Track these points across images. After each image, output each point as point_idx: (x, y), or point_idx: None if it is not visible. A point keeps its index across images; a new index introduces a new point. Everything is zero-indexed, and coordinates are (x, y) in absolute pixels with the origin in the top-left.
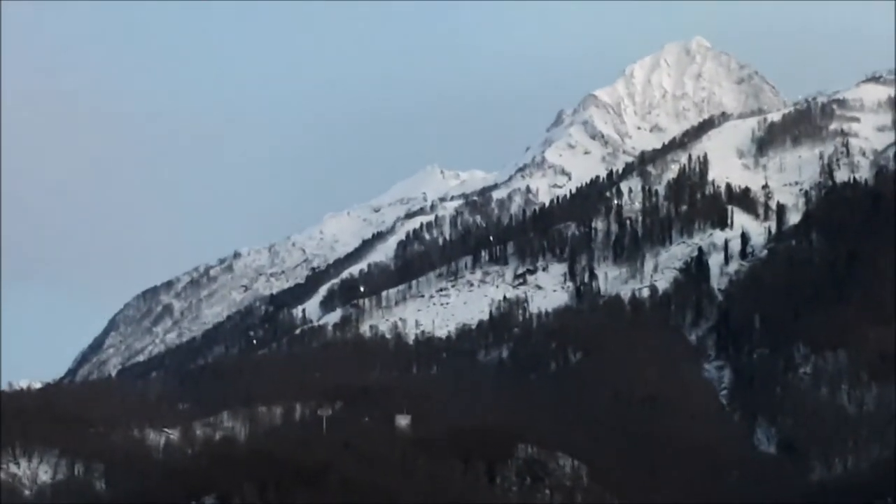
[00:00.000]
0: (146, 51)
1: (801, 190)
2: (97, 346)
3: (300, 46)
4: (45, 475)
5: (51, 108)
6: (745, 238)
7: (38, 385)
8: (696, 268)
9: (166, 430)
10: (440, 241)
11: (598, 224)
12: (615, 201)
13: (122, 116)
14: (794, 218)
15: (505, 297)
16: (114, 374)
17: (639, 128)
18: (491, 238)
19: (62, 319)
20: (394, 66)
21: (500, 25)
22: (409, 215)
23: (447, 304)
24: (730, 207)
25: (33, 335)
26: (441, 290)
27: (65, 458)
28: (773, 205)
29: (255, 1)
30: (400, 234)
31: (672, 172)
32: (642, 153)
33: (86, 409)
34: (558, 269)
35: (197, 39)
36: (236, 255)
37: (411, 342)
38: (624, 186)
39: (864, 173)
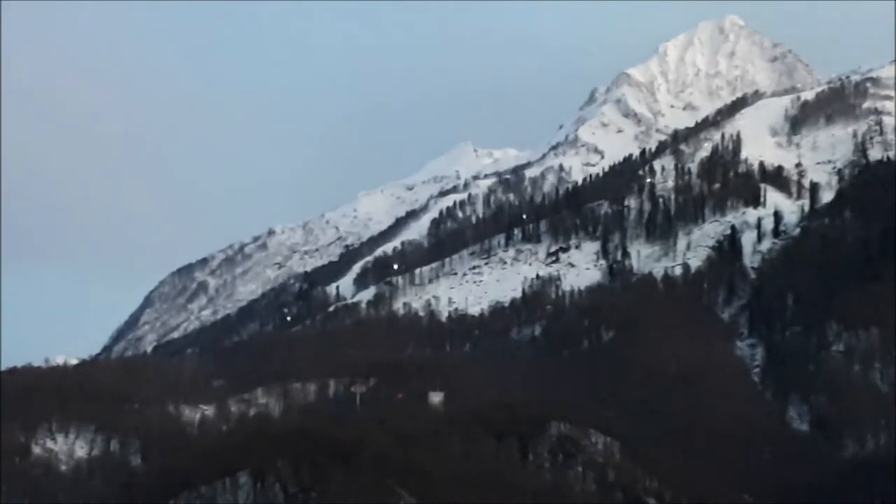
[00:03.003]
0: (188, 32)
1: (834, 168)
2: (133, 322)
3: (339, 28)
4: (81, 451)
5: (89, 89)
6: (777, 216)
7: (74, 361)
8: (729, 246)
9: (201, 406)
10: (473, 219)
11: (631, 202)
12: (648, 179)
13: (160, 96)
14: (826, 196)
15: (538, 275)
16: (149, 350)
17: (672, 106)
18: (524, 216)
19: (98, 296)
20: (429, 47)
21: (534, 5)
22: (443, 193)
23: (480, 281)
24: (763, 186)
25: (69, 312)
26: (474, 267)
27: (101, 433)
28: (806, 183)
29: None
30: (433, 212)
31: (705, 151)
32: (675, 131)
33: (121, 386)
34: (591, 247)
35: (237, 20)
36: (271, 233)
37: (444, 320)
38: (657, 165)
39: None
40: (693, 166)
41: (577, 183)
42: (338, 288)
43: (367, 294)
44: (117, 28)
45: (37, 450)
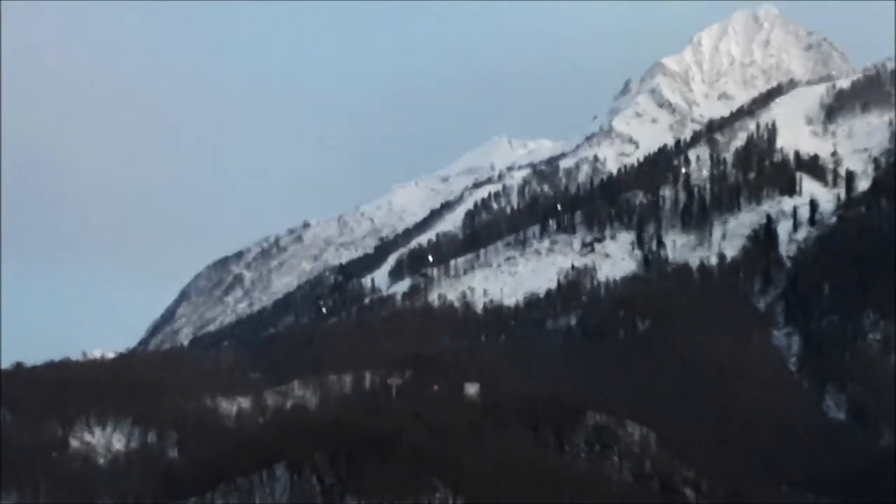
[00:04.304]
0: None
1: (870, 156)
2: (169, 316)
3: (372, 21)
4: (118, 443)
5: (122, 86)
6: (813, 205)
7: (111, 355)
8: (765, 235)
9: (238, 398)
10: (508, 210)
11: (666, 192)
12: (683, 169)
13: (193, 91)
14: (863, 185)
15: (573, 266)
16: (185, 343)
17: (706, 96)
18: (559, 207)
19: (135, 290)
20: (462, 38)
21: None
22: (477, 185)
23: (515, 272)
24: (798, 174)
25: (107, 306)
26: (509, 258)
27: (138, 426)
28: (841, 172)
29: None
30: (468, 204)
31: (740, 140)
32: (710, 121)
33: (158, 379)
34: (626, 237)
35: (272, 14)
36: (306, 226)
37: (480, 311)
38: (692, 154)
39: None
40: (728, 156)
41: (611, 173)
42: (373, 280)
43: (403, 286)
44: (157, 26)
45: (75, 443)
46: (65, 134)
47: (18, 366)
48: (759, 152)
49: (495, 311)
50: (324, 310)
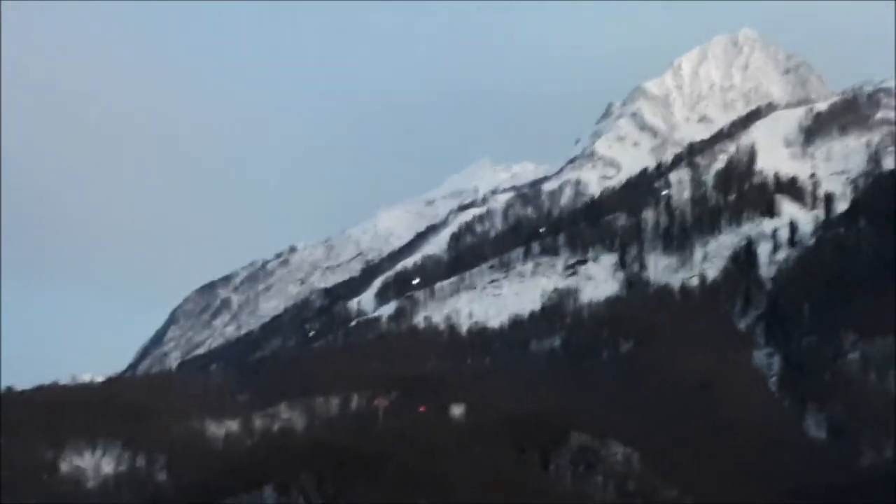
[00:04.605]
0: (197, 50)
1: (848, 178)
2: (158, 339)
3: (355, 45)
4: (107, 466)
5: (94, 108)
6: (793, 226)
7: (100, 379)
8: (745, 256)
9: (226, 421)
10: (492, 232)
11: (648, 214)
12: (664, 192)
13: (185, 118)
14: (841, 206)
15: (556, 288)
16: (174, 367)
17: (687, 119)
18: (542, 229)
19: (124, 315)
20: (446, 63)
21: (551, 22)
22: (462, 208)
23: (499, 294)
24: (777, 196)
25: (95, 330)
26: (493, 281)
27: (127, 449)
28: (820, 193)
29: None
30: (452, 227)
31: (720, 163)
32: (690, 144)
33: (147, 402)
34: (609, 259)
35: (253, 38)
36: (292, 250)
37: (464, 333)
38: (673, 177)
39: None
40: (709, 178)
41: (594, 196)
42: (359, 303)
43: (388, 308)
44: (130, 40)
45: (65, 466)
46: (56, 154)
47: (9, 389)
48: (739, 175)
49: (480, 333)
50: (310, 333)
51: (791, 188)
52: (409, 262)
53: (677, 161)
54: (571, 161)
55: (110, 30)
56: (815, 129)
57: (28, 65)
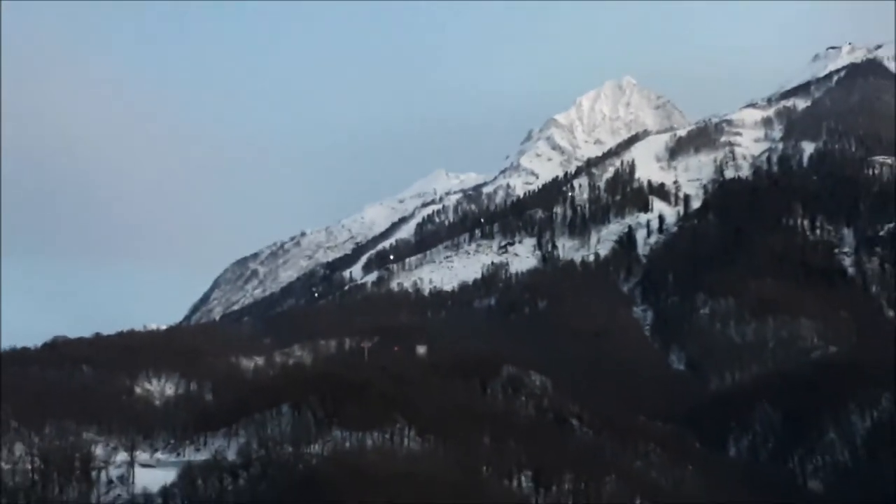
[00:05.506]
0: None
1: (701, 184)
2: (205, 299)
3: (351, 81)
4: (169, 390)
5: (141, 108)
6: (661, 219)
7: (163, 327)
8: (627, 240)
9: (255, 357)
10: (446, 223)
11: (558, 210)
12: (570, 193)
13: (216, 123)
14: (696, 204)
15: (492, 263)
16: (217, 318)
17: (586, 141)
18: (482, 220)
19: (181, 281)
20: (414, 96)
21: (490, 64)
22: (425, 205)
23: (452, 267)
24: (651, 197)
25: (161, 292)
26: (447, 257)
27: (183, 378)
28: (681, 195)
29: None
30: (418, 218)
31: (609, 173)
32: (588, 160)
33: (198, 344)
34: (530, 242)
35: (268, 47)
36: (302, 234)
37: (427, 294)
38: (576, 183)
39: (745, 172)
40: (601, 184)
41: (519, 196)
42: (350, 273)
43: (372, 277)
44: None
45: (138, 390)
46: (122, 149)
47: (97, 335)
48: (623, 181)
49: (438, 295)
50: (316, 294)
51: (660, 191)
52: (386, 243)
53: (579, 172)
54: (503, 171)
55: (123, 29)
56: (677, 149)
57: (28, 65)
